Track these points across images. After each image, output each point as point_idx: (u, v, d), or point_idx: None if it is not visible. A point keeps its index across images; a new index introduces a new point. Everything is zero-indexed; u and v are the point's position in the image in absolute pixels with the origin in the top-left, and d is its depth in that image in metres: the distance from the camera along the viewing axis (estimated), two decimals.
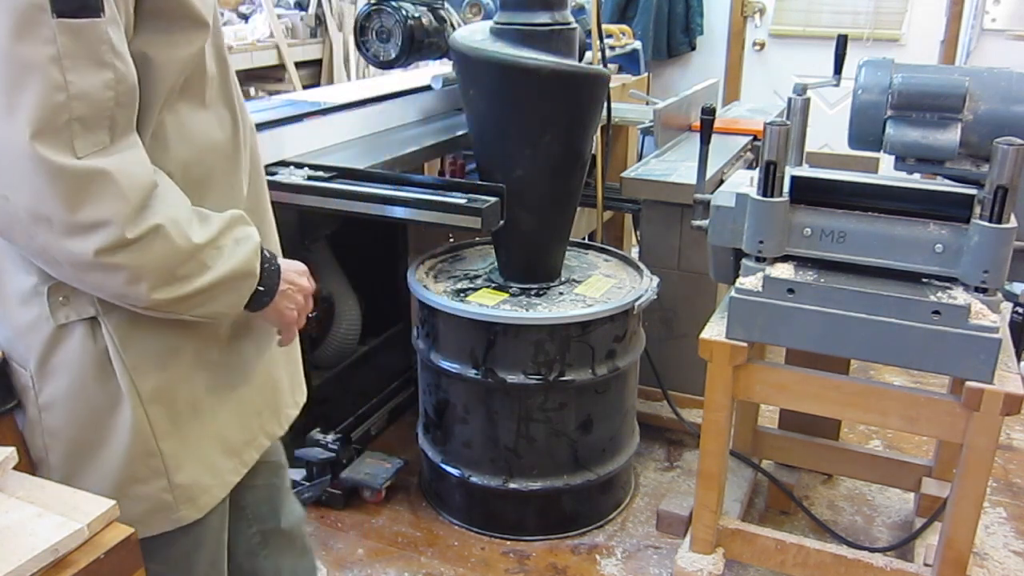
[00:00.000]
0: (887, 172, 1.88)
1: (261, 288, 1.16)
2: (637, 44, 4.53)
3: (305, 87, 4.59)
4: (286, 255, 1.29)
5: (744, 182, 1.79)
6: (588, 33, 2.70)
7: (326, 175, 2.05)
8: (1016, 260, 1.57)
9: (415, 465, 2.51)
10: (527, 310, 2.14)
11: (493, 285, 2.30)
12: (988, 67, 1.66)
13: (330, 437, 2.38)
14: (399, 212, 1.95)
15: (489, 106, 2.13)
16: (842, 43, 2.07)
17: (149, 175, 1.01)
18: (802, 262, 1.71)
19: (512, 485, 2.23)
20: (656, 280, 2.29)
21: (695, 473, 1.98)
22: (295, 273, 1.25)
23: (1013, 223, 1.52)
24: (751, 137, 2.98)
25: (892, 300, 1.58)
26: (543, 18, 2.03)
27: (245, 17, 4.79)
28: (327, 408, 2.52)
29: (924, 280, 1.63)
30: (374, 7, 2.53)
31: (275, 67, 4.61)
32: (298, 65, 4.68)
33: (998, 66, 1.66)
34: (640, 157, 3.02)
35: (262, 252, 1.16)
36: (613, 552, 2.26)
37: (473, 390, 2.19)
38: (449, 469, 2.30)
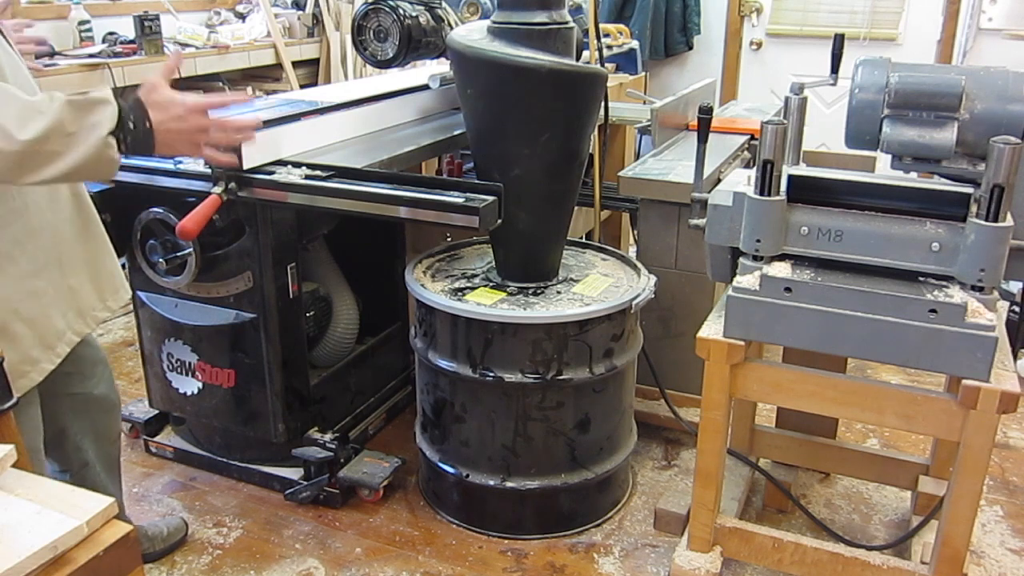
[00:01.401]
0: (884, 171, 1.89)
1: (132, 127, 1.34)
2: (634, 43, 4.53)
3: (302, 86, 4.59)
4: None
5: (741, 181, 1.79)
6: (585, 32, 2.70)
7: (323, 174, 2.04)
8: (1012, 258, 1.58)
9: (413, 464, 2.51)
10: (525, 309, 2.14)
11: (491, 284, 2.30)
12: (984, 66, 1.66)
13: (328, 436, 2.38)
14: (397, 211, 1.95)
15: (487, 105, 2.13)
16: (839, 42, 2.07)
17: None
18: (799, 261, 1.72)
19: (510, 484, 2.23)
20: (653, 279, 2.29)
21: (692, 472, 1.98)
22: (173, 105, 1.41)
23: (1009, 222, 1.52)
24: (748, 136, 2.99)
25: (889, 299, 1.59)
26: (541, 17, 2.03)
27: (242, 16, 4.79)
28: (325, 407, 2.52)
29: (921, 279, 1.63)
30: (372, 6, 2.53)
31: (272, 66, 4.61)
32: (295, 64, 4.68)
33: (994, 65, 1.66)
34: (637, 156, 3.03)
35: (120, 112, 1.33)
36: (611, 551, 2.26)
37: (471, 389, 2.19)
38: (447, 468, 2.30)
